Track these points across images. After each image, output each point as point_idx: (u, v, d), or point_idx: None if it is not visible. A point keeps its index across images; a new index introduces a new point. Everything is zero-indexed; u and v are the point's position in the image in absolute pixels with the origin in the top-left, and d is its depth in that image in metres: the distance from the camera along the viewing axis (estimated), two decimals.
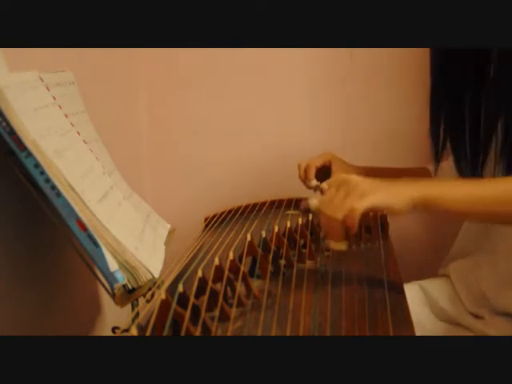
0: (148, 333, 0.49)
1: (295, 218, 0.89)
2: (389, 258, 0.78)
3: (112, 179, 0.74)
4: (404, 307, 0.63)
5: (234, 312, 0.60)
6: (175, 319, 0.53)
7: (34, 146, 0.56)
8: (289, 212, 1.06)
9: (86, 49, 0.71)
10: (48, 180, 0.57)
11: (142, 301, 0.64)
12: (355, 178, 0.66)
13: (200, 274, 0.62)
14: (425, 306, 0.95)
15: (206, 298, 0.58)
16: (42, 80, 0.66)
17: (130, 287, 0.63)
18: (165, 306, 0.54)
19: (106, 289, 0.62)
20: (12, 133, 0.55)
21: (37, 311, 0.71)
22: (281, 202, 1.13)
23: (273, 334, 0.54)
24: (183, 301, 0.56)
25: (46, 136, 0.60)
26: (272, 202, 1.13)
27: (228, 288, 0.64)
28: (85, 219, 0.59)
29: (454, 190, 0.66)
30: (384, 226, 0.95)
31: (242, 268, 0.66)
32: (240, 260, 0.70)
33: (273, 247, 0.76)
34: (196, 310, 0.55)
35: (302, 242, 0.82)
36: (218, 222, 1.01)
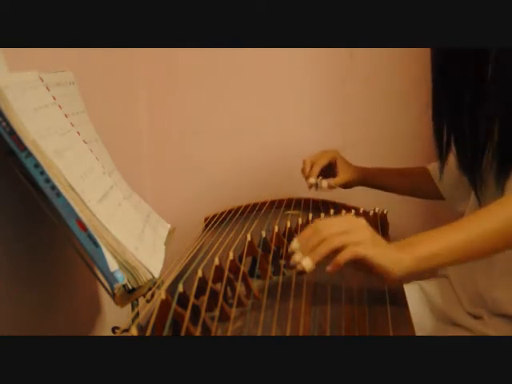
0: (148, 333, 0.49)
1: (295, 218, 0.89)
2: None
3: (112, 179, 0.74)
4: (404, 307, 0.63)
5: (234, 312, 0.60)
6: (175, 319, 0.53)
7: (33, 146, 0.56)
8: (289, 212, 1.06)
9: (85, 49, 0.71)
10: (48, 180, 0.57)
11: (142, 301, 0.64)
12: (364, 224, 0.64)
13: (200, 274, 0.62)
14: (424, 307, 0.95)
15: (205, 297, 0.58)
16: (42, 80, 0.66)
17: (130, 287, 0.63)
18: (165, 305, 0.54)
19: (106, 289, 0.62)
20: (12, 133, 0.55)
21: (37, 311, 0.71)
22: (281, 201, 1.13)
23: (273, 334, 0.54)
24: (183, 301, 0.56)
25: (46, 136, 0.60)
26: (272, 202, 1.13)
27: (228, 288, 0.64)
28: (85, 219, 0.59)
29: (448, 241, 0.64)
30: (384, 226, 0.95)
31: (242, 268, 0.66)
32: (240, 260, 0.70)
33: (273, 247, 0.76)
34: (196, 310, 0.55)
35: None
36: (218, 222, 1.01)
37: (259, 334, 0.54)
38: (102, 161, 0.74)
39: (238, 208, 1.09)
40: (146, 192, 1.32)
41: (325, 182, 1.03)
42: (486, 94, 0.80)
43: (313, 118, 1.34)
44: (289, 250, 0.64)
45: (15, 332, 0.65)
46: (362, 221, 0.64)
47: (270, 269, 0.71)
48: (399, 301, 0.65)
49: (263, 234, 0.77)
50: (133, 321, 0.53)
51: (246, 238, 0.74)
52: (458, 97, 0.85)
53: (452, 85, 0.85)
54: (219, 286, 0.63)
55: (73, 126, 0.70)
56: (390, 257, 0.61)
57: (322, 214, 0.94)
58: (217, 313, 0.58)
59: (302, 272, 0.62)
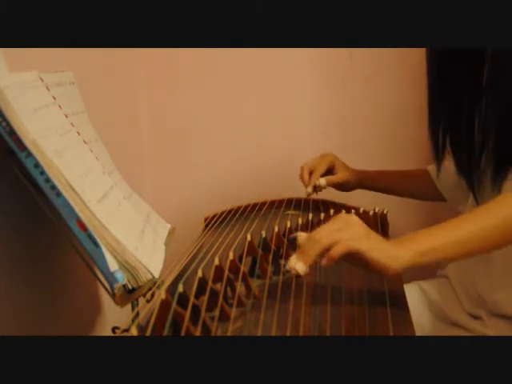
0: (148, 333, 0.49)
1: (295, 218, 0.89)
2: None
3: (112, 179, 0.74)
4: (404, 307, 0.63)
5: (234, 312, 0.60)
6: (175, 319, 0.53)
7: (33, 145, 0.56)
8: (289, 212, 1.06)
9: (86, 49, 0.71)
10: (48, 180, 0.57)
11: (142, 301, 0.64)
12: (355, 219, 0.64)
13: (200, 274, 0.62)
14: (424, 307, 0.96)
15: (205, 297, 0.58)
16: (42, 80, 0.66)
17: (130, 287, 0.63)
18: (165, 306, 0.54)
19: (106, 289, 0.62)
20: (12, 133, 0.55)
21: (37, 311, 0.71)
22: (281, 202, 1.13)
23: (273, 334, 0.54)
24: (183, 301, 0.56)
25: (46, 136, 0.60)
26: (272, 202, 1.13)
27: (228, 288, 0.64)
28: (85, 219, 0.59)
29: (445, 237, 0.65)
30: (384, 225, 0.95)
31: (242, 268, 0.66)
32: (240, 260, 0.70)
33: (273, 247, 0.76)
34: (196, 310, 0.55)
35: None
36: (218, 222, 1.01)
37: (259, 334, 0.54)
38: (102, 161, 0.74)
39: (238, 208, 1.09)
40: (146, 192, 1.32)
41: (323, 180, 1.03)
42: (483, 95, 0.80)
43: (313, 117, 1.34)
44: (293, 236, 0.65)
45: (15, 332, 0.65)
46: (354, 217, 0.64)
47: (270, 269, 0.71)
48: (399, 301, 0.65)
49: (263, 233, 0.77)
50: (133, 321, 0.53)
51: (245, 238, 0.74)
52: (454, 98, 0.85)
53: (448, 86, 0.85)
54: (219, 286, 0.63)
55: (73, 126, 0.70)
56: (385, 251, 0.62)
57: (322, 214, 0.94)
58: (217, 313, 0.58)
59: (297, 276, 0.63)
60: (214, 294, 0.60)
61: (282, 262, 0.74)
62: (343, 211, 0.98)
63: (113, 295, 0.61)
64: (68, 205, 0.58)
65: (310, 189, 1.03)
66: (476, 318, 0.88)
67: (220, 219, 1.02)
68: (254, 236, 0.74)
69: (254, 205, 1.11)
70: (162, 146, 1.36)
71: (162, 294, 0.55)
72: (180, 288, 0.57)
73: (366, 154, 1.28)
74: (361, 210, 1.03)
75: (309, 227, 0.86)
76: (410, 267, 0.62)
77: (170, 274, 0.68)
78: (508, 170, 0.76)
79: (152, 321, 0.51)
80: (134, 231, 0.70)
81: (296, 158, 1.10)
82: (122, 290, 0.62)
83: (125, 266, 0.62)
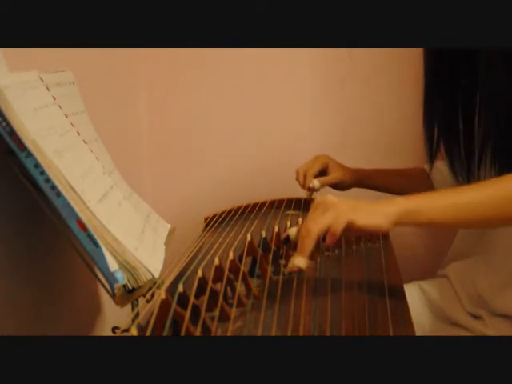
0: (148, 333, 0.49)
1: (295, 218, 0.89)
2: (389, 258, 0.78)
3: (112, 179, 0.74)
4: (404, 307, 0.63)
5: (234, 312, 0.60)
6: (175, 319, 0.53)
7: (33, 145, 0.56)
8: (289, 212, 1.06)
9: (86, 49, 0.71)
10: (48, 180, 0.57)
11: (142, 301, 0.64)
12: (331, 199, 0.64)
13: (200, 274, 0.62)
14: (424, 306, 0.96)
15: (205, 297, 0.58)
16: (42, 80, 0.66)
17: (130, 287, 0.63)
18: (165, 305, 0.54)
19: (106, 289, 0.62)
20: (12, 133, 0.55)
21: (37, 311, 0.71)
22: (281, 201, 1.13)
23: (273, 334, 0.54)
24: (183, 301, 0.56)
25: (46, 136, 0.60)
26: (272, 202, 1.13)
27: (228, 288, 0.64)
28: (85, 219, 0.59)
29: (436, 200, 0.65)
30: None
31: (242, 268, 0.66)
32: (240, 260, 0.70)
33: (273, 247, 0.76)
34: (196, 310, 0.55)
35: None
36: (218, 222, 1.01)
37: (259, 334, 0.54)
38: (102, 161, 0.74)
39: (238, 208, 1.09)
40: (146, 192, 1.32)
41: (317, 182, 1.03)
42: (478, 95, 0.80)
43: (312, 118, 1.34)
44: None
45: (15, 332, 0.65)
46: (330, 197, 0.65)
47: (270, 269, 0.71)
48: (399, 301, 0.65)
49: (263, 233, 0.77)
50: (133, 321, 0.53)
51: (245, 237, 0.74)
52: (451, 98, 0.85)
53: (445, 86, 0.85)
54: (219, 286, 0.63)
55: (73, 126, 0.70)
56: (373, 213, 0.62)
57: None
58: (217, 313, 0.58)
59: (300, 271, 0.64)
60: (214, 294, 0.60)
61: (282, 261, 0.74)
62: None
63: (113, 295, 0.61)
64: (68, 205, 0.58)
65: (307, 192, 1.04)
66: (476, 317, 0.88)
67: (220, 219, 1.02)
68: (254, 236, 0.74)
69: (254, 205, 1.11)
70: (162, 146, 1.36)
71: (162, 294, 0.55)
72: (180, 288, 0.57)
73: (365, 154, 1.28)
74: None
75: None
76: (399, 223, 0.63)
77: (170, 274, 0.68)
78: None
79: (152, 321, 0.51)
80: (134, 231, 0.70)
81: (296, 158, 1.10)
82: (122, 290, 0.62)
83: (125, 266, 0.62)
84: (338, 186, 1.07)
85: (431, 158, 0.92)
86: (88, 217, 0.60)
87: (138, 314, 0.56)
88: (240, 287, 0.64)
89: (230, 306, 0.61)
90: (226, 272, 0.65)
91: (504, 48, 0.72)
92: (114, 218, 0.64)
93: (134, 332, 0.49)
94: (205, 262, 0.70)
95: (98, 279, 0.64)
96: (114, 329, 0.62)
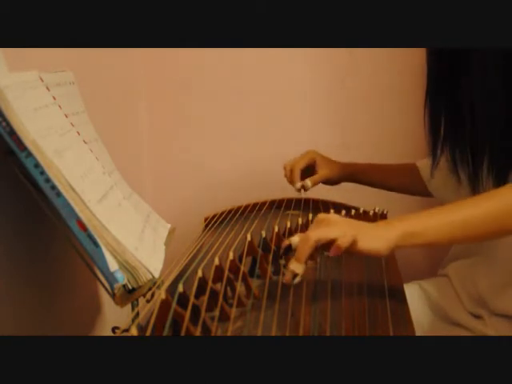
0: (148, 333, 0.49)
1: (295, 218, 0.89)
2: (389, 257, 0.78)
3: (112, 179, 0.74)
4: (404, 307, 0.63)
5: (233, 312, 0.60)
6: (175, 319, 0.53)
7: (33, 145, 0.56)
8: (289, 212, 1.06)
9: (86, 49, 0.71)
10: (48, 180, 0.57)
11: (142, 301, 0.64)
12: (335, 217, 0.65)
13: (200, 274, 0.62)
14: (424, 306, 0.95)
15: (205, 298, 0.58)
16: (42, 80, 0.66)
17: (130, 287, 0.63)
18: (165, 305, 0.54)
19: (106, 289, 0.62)
20: (12, 133, 0.55)
21: (37, 311, 0.71)
22: (281, 201, 1.13)
23: (273, 334, 0.54)
24: (183, 301, 0.56)
25: (46, 136, 0.60)
26: (272, 202, 1.13)
27: (228, 288, 0.64)
28: (85, 219, 0.59)
29: (431, 219, 0.65)
30: None
31: (242, 268, 0.66)
32: (240, 260, 0.70)
33: (273, 247, 0.76)
34: (196, 310, 0.55)
35: None
36: (218, 222, 1.01)
37: (259, 334, 0.54)
38: (102, 161, 0.74)
39: (238, 208, 1.09)
40: (146, 192, 1.32)
41: (308, 182, 1.03)
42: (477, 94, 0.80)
43: (312, 118, 1.34)
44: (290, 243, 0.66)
45: (15, 332, 0.65)
46: (334, 215, 0.66)
47: (270, 269, 0.71)
48: (399, 300, 0.65)
49: (263, 233, 0.77)
50: (133, 321, 0.53)
51: (245, 238, 0.74)
52: (451, 98, 0.85)
53: (445, 85, 0.86)
54: (219, 286, 0.63)
55: (73, 126, 0.70)
56: (372, 236, 0.63)
57: (322, 212, 0.93)
58: (217, 313, 0.58)
59: (295, 276, 0.64)
60: (214, 294, 0.60)
61: (282, 261, 0.74)
62: (343, 211, 0.98)
63: (113, 295, 0.61)
64: (68, 205, 0.58)
65: (298, 184, 1.03)
66: (477, 317, 0.88)
67: (220, 219, 1.02)
68: (254, 236, 0.74)
69: (254, 205, 1.11)
70: (162, 146, 1.36)
71: (162, 294, 0.55)
72: (180, 288, 0.57)
73: (365, 154, 1.28)
74: (361, 210, 1.03)
75: (309, 227, 0.86)
76: (398, 247, 0.63)
77: (170, 274, 0.68)
78: (508, 174, 0.76)
79: (152, 321, 0.51)
80: (134, 231, 0.70)
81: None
82: (122, 290, 0.62)
83: (125, 266, 0.62)
84: (329, 182, 1.07)
85: (434, 157, 0.91)
86: (88, 217, 0.60)
87: (137, 313, 0.56)
88: (240, 287, 0.64)
89: (230, 305, 0.61)
90: (226, 272, 0.65)
91: (496, 48, 0.72)
92: (113, 218, 0.64)
93: (133, 332, 0.49)
94: (205, 262, 0.70)
95: (98, 279, 0.64)
96: (113, 329, 0.62)
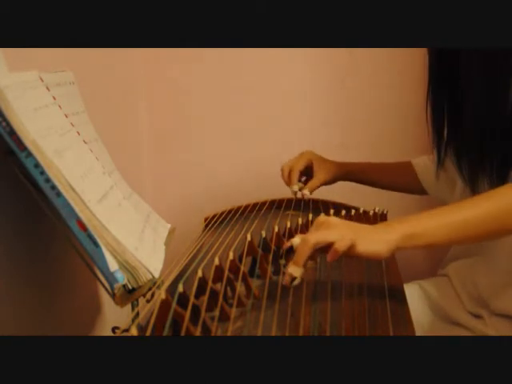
0: (148, 333, 0.49)
1: (295, 218, 0.89)
2: (389, 258, 0.78)
3: (112, 179, 0.74)
4: (404, 307, 0.63)
5: (233, 312, 0.60)
6: (175, 319, 0.53)
7: (33, 145, 0.56)
8: (289, 212, 1.06)
9: (86, 49, 0.71)
10: (48, 180, 0.57)
11: (142, 301, 0.64)
12: (335, 220, 0.65)
13: (200, 273, 0.62)
14: (424, 306, 0.95)
15: (205, 298, 0.58)
16: (42, 80, 0.66)
17: (130, 287, 0.63)
18: (165, 305, 0.54)
19: (106, 289, 0.62)
20: (12, 133, 0.55)
21: (37, 311, 0.71)
22: (281, 201, 1.13)
23: (273, 334, 0.54)
24: (183, 301, 0.56)
25: (46, 136, 0.60)
26: (272, 202, 1.13)
27: (228, 288, 0.64)
28: (85, 219, 0.59)
29: (432, 221, 0.65)
30: None
31: (242, 268, 0.66)
32: (240, 260, 0.70)
33: (273, 247, 0.76)
34: (196, 310, 0.55)
35: None
36: (218, 222, 1.01)
37: (259, 334, 0.54)
38: (102, 161, 0.74)
39: (238, 208, 1.09)
40: (146, 192, 1.32)
41: (306, 191, 1.03)
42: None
43: (312, 118, 1.34)
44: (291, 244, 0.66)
45: (15, 332, 0.65)
46: (334, 218, 0.66)
47: (270, 269, 0.71)
48: (399, 300, 0.65)
49: (263, 233, 0.77)
50: (133, 321, 0.53)
51: (245, 238, 0.74)
52: (452, 98, 0.85)
53: (445, 85, 0.86)
54: (219, 286, 0.63)
55: (73, 126, 0.70)
56: (371, 240, 0.63)
57: (322, 214, 0.93)
58: (217, 313, 0.58)
59: (293, 279, 0.64)
60: (214, 294, 0.60)
61: (282, 261, 0.74)
62: (343, 211, 0.98)
63: (113, 295, 0.61)
64: (68, 205, 0.58)
65: (295, 187, 1.03)
66: (477, 317, 0.88)
67: (220, 219, 1.02)
68: (254, 236, 0.74)
69: (254, 205, 1.11)
70: (162, 146, 1.36)
71: (162, 294, 0.55)
72: (180, 288, 0.57)
73: (365, 154, 1.28)
74: (361, 210, 1.03)
75: (308, 227, 0.86)
76: (398, 249, 0.63)
77: (170, 274, 0.68)
78: (509, 174, 0.76)
79: (152, 321, 0.51)
80: (134, 231, 0.70)
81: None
82: (122, 290, 0.62)
83: (125, 266, 0.62)
84: (324, 184, 1.07)
85: (439, 159, 0.91)
86: (88, 217, 0.60)
87: (137, 314, 0.56)
88: (240, 287, 0.64)
89: (230, 306, 0.61)
90: (226, 272, 0.65)
91: (496, 48, 0.72)
92: (113, 218, 0.64)
93: (134, 332, 0.49)
94: (205, 262, 0.70)
95: (98, 279, 0.64)
96: (113, 329, 0.62)
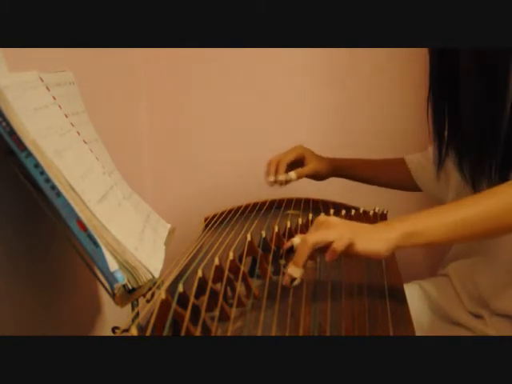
0: (148, 333, 0.49)
1: (295, 218, 0.89)
2: (389, 258, 0.78)
3: (112, 179, 0.74)
4: (404, 307, 0.63)
5: (233, 312, 0.60)
6: (175, 319, 0.53)
7: (34, 145, 0.56)
8: (289, 212, 1.06)
9: (86, 49, 0.71)
10: (48, 180, 0.57)
11: (142, 301, 0.64)
12: (334, 219, 0.65)
13: (200, 273, 0.62)
14: (424, 305, 0.95)
15: (205, 298, 0.58)
16: (42, 80, 0.66)
17: (130, 287, 0.63)
18: (165, 305, 0.54)
19: (106, 289, 0.62)
20: (12, 133, 0.55)
21: (37, 311, 0.71)
22: (281, 201, 1.13)
23: (273, 334, 0.54)
24: (183, 301, 0.56)
25: (46, 136, 0.60)
26: (272, 202, 1.13)
27: (228, 288, 0.64)
28: (85, 219, 0.59)
29: (431, 219, 0.65)
30: None
31: (242, 268, 0.66)
32: (240, 260, 0.70)
33: (273, 247, 0.76)
34: (196, 310, 0.55)
35: None
36: (218, 222, 1.01)
37: (259, 334, 0.54)
38: (102, 161, 0.74)
39: (238, 208, 1.09)
40: (146, 192, 1.32)
41: (293, 173, 1.01)
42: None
43: (312, 118, 1.34)
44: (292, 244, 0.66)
45: (15, 332, 0.65)
46: (333, 218, 0.65)
47: (270, 269, 0.71)
48: (399, 300, 0.65)
49: (263, 233, 0.77)
50: (133, 321, 0.53)
51: (245, 238, 0.74)
52: (452, 98, 0.85)
53: (445, 85, 0.86)
54: (219, 286, 0.63)
55: (73, 126, 0.70)
56: (371, 239, 0.62)
57: (322, 214, 0.94)
58: (217, 313, 0.58)
59: (293, 279, 0.64)
60: (214, 294, 0.60)
61: (282, 261, 0.74)
62: (343, 211, 0.98)
63: (113, 295, 0.61)
64: (68, 205, 0.58)
65: (271, 178, 1.01)
66: (477, 316, 0.88)
67: (220, 219, 1.02)
68: (254, 236, 0.74)
69: (254, 205, 1.11)
70: (162, 146, 1.36)
71: (162, 294, 0.55)
72: (180, 288, 0.57)
73: (366, 154, 1.28)
74: (361, 210, 1.03)
75: (308, 227, 0.86)
76: (398, 248, 0.63)
77: (170, 274, 0.68)
78: (509, 174, 0.76)
79: (152, 321, 0.51)
80: (134, 231, 0.70)
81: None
82: (122, 290, 0.62)
83: (125, 266, 0.62)
84: (315, 177, 1.06)
85: (440, 159, 0.91)
86: (88, 217, 0.60)
87: (137, 314, 0.56)
88: (240, 287, 0.64)
89: (230, 306, 0.61)
90: (226, 272, 0.65)
91: (496, 48, 0.72)
92: (113, 218, 0.64)
93: (134, 332, 0.49)
94: (205, 262, 0.70)
95: (98, 279, 0.64)
96: (113, 329, 0.62)
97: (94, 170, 0.69)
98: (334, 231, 0.63)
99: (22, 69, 0.64)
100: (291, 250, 0.67)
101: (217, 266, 0.65)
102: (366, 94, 1.31)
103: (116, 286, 0.61)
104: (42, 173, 0.57)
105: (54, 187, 0.58)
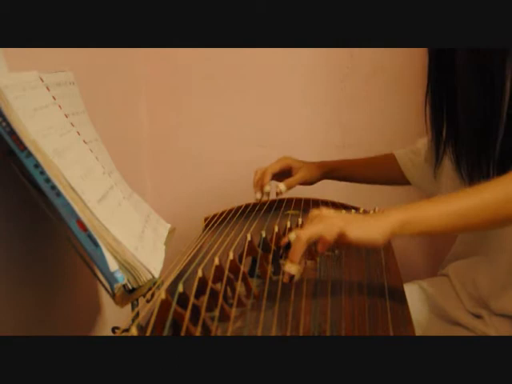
0: (148, 333, 0.49)
1: (295, 218, 0.89)
2: (389, 258, 0.78)
3: (112, 179, 0.74)
4: (404, 307, 0.63)
5: (233, 312, 0.60)
6: (175, 319, 0.53)
7: (34, 146, 0.56)
8: (289, 212, 1.06)
9: (86, 49, 0.71)
10: (48, 180, 0.57)
11: (142, 301, 0.64)
12: (326, 212, 0.65)
13: (200, 273, 0.62)
14: (424, 305, 0.95)
15: (205, 297, 0.58)
16: (42, 80, 0.66)
17: (130, 287, 0.63)
18: (165, 305, 0.54)
19: (106, 289, 0.62)
20: (12, 133, 0.55)
21: (37, 311, 0.71)
22: (281, 201, 1.13)
23: (273, 334, 0.54)
24: (183, 301, 0.56)
25: (46, 136, 0.60)
26: (272, 202, 1.13)
27: (228, 288, 0.64)
28: (85, 219, 0.59)
29: (430, 209, 0.65)
30: None
31: (242, 268, 0.66)
32: (240, 260, 0.70)
33: (273, 247, 0.76)
34: (196, 310, 0.55)
35: None
36: (218, 222, 1.01)
37: (259, 334, 0.54)
38: (102, 161, 0.74)
39: (238, 208, 1.09)
40: (146, 192, 1.32)
41: (282, 185, 1.01)
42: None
43: (312, 118, 1.34)
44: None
45: (15, 332, 0.65)
46: (325, 210, 0.66)
47: (270, 269, 0.71)
48: (399, 300, 0.65)
49: (263, 233, 0.77)
50: (133, 321, 0.53)
51: (245, 238, 0.74)
52: (450, 97, 0.85)
53: (444, 86, 0.86)
54: (219, 286, 0.63)
55: (73, 126, 0.70)
56: (365, 227, 0.62)
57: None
58: (217, 313, 0.58)
59: (292, 277, 0.64)
60: (214, 294, 0.60)
61: (282, 261, 0.74)
62: (343, 211, 0.98)
63: (113, 295, 0.61)
64: (68, 205, 0.58)
65: (258, 195, 1.02)
66: (477, 316, 0.88)
67: (220, 219, 1.02)
68: (253, 236, 0.74)
69: (254, 205, 1.10)
70: (162, 146, 1.36)
71: (161, 294, 0.55)
72: (180, 288, 0.57)
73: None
74: (361, 210, 1.03)
75: None
76: (394, 235, 0.63)
77: (170, 274, 0.68)
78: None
79: (152, 321, 0.51)
80: (134, 231, 0.70)
81: (296, 158, 1.10)
82: (122, 290, 0.62)
83: (125, 266, 0.62)
84: (306, 183, 1.06)
85: (437, 157, 0.91)
86: (88, 217, 0.60)
87: (137, 314, 0.56)
88: (240, 287, 0.64)
89: (230, 306, 0.61)
90: (226, 272, 0.65)
91: (496, 48, 0.72)
92: (113, 218, 0.64)
93: (134, 332, 0.49)
94: (205, 262, 0.70)
95: (98, 279, 0.64)
96: (113, 329, 0.62)
97: (94, 169, 0.69)
98: (324, 223, 0.63)
99: (22, 69, 0.64)
100: (289, 246, 0.67)
101: (217, 266, 0.65)
102: (366, 94, 1.31)
103: (116, 286, 0.61)
104: (42, 173, 0.57)
105: (53, 187, 0.58)
